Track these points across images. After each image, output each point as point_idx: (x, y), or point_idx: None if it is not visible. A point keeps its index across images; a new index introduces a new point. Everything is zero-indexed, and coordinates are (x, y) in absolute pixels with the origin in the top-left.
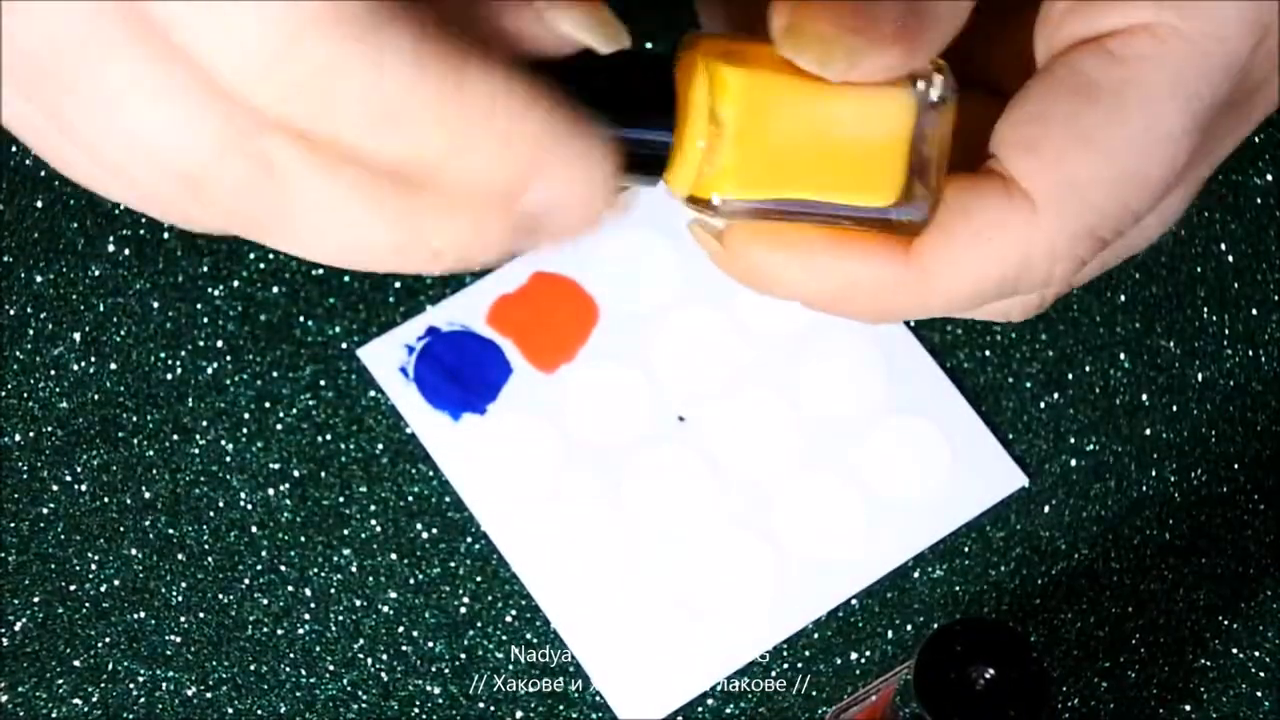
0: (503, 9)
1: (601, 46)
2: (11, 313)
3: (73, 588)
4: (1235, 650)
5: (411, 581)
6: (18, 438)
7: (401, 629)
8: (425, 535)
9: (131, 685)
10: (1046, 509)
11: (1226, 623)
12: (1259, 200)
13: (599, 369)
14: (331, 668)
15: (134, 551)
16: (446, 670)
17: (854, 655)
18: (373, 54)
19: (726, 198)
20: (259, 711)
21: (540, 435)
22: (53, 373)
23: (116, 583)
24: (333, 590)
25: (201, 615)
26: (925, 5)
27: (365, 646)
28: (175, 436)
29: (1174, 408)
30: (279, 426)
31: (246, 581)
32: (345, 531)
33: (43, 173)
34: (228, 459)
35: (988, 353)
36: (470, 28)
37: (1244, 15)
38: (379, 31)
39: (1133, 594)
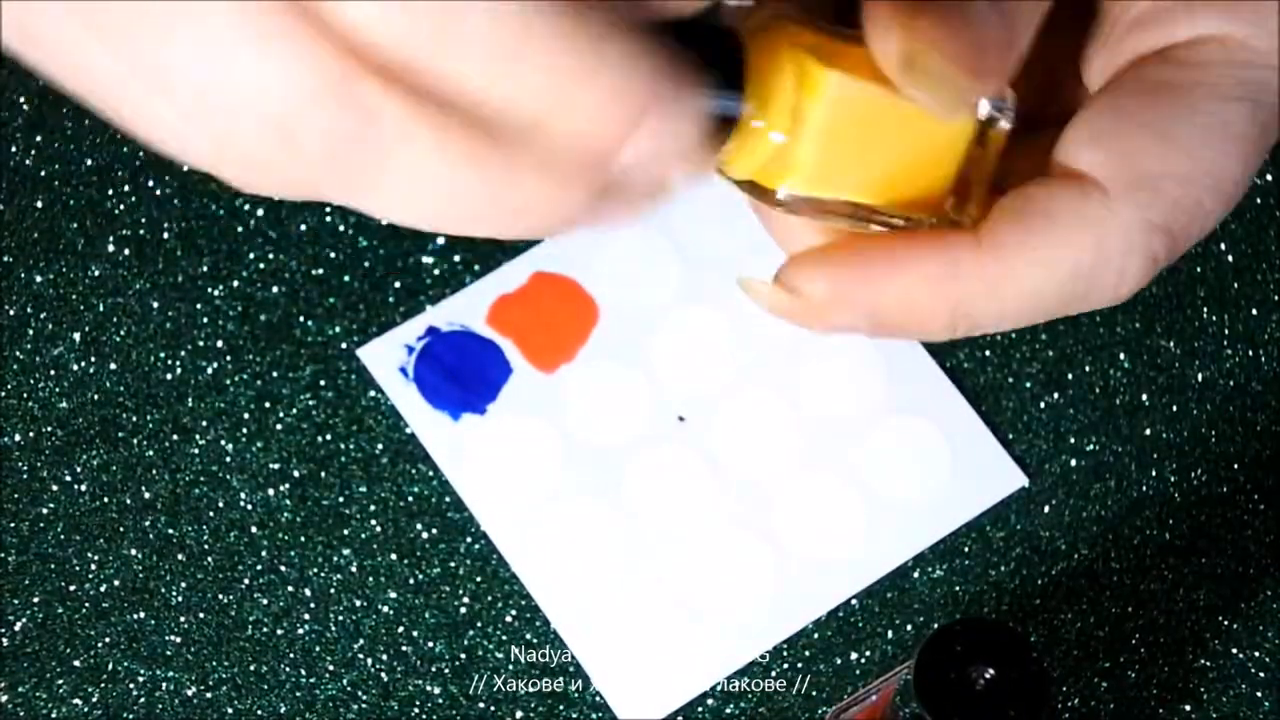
0: None
1: None
2: (11, 313)
3: (73, 588)
4: (1235, 650)
5: (411, 581)
6: (18, 438)
7: (401, 629)
8: (425, 535)
9: (131, 685)
10: (1046, 509)
11: (1226, 623)
12: (1259, 200)
13: (599, 369)
14: (331, 668)
15: (134, 551)
16: (446, 670)
17: (854, 655)
18: None
19: (793, 192)
20: (259, 711)
21: (540, 435)
22: (53, 373)
23: (116, 583)
24: (333, 590)
25: (201, 615)
26: (1017, 35)
27: (365, 646)
28: (175, 436)
29: (1174, 408)
30: (279, 426)
31: (246, 581)
32: (345, 531)
33: (43, 173)
34: (228, 459)
35: (988, 353)
36: None
37: None
38: None
39: (1133, 594)
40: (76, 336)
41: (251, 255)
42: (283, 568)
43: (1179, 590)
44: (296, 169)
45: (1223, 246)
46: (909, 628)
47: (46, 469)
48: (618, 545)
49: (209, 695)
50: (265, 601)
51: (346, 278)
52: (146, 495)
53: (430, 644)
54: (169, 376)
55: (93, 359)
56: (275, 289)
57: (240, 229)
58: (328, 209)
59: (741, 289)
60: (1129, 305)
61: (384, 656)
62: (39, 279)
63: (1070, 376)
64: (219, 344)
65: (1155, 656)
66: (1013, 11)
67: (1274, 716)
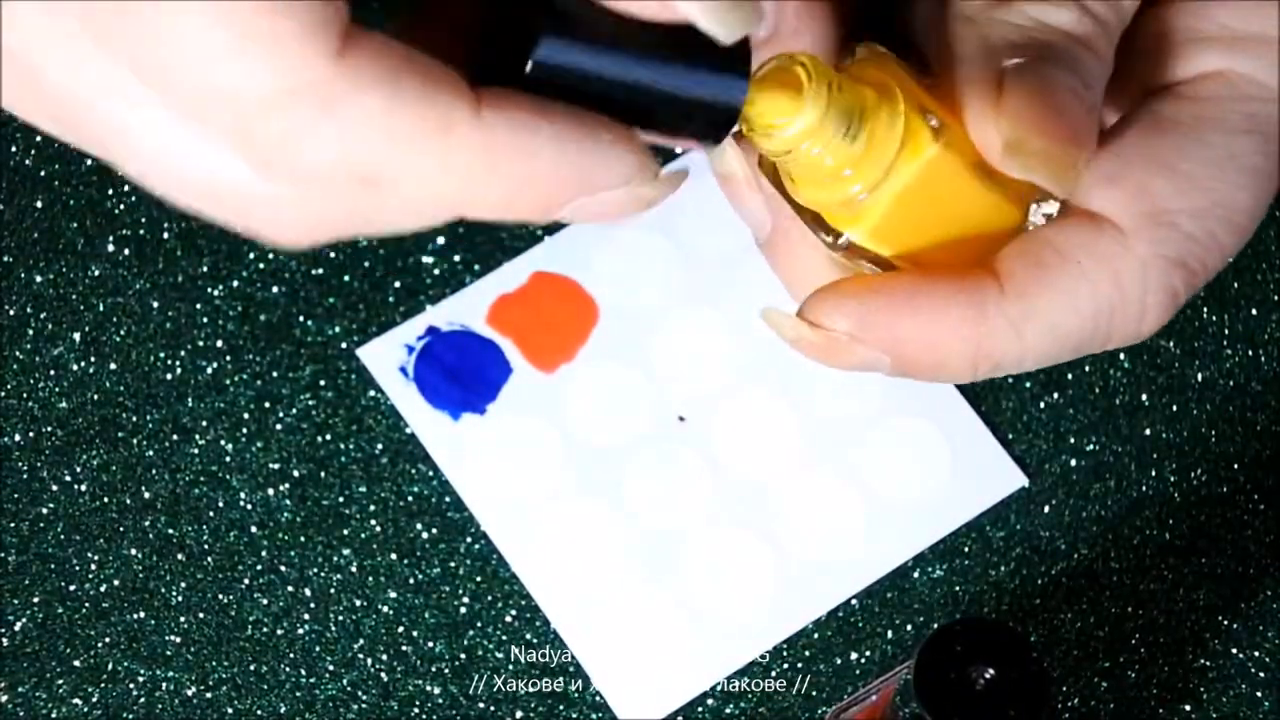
0: None
1: (724, 37)
2: (11, 313)
3: (73, 588)
4: (1235, 650)
5: (411, 581)
6: (18, 438)
7: (401, 629)
8: (425, 535)
9: (131, 685)
10: (1046, 509)
11: (1226, 623)
12: None
13: (599, 369)
14: (331, 668)
15: (134, 551)
16: (446, 670)
17: (854, 655)
18: (338, 125)
19: (856, 242)
20: (259, 711)
21: (540, 435)
22: (53, 373)
23: (116, 583)
24: (333, 590)
25: (201, 615)
26: (1097, 95)
27: (365, 646)
28: (175, 436)
29: (1174, 408)
30: (279, 426)
31: (246, 581)
32: (345, 531)
33: (42, 173)
34: (228, 459)
35: None
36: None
37: None
38: (339, 104)
39: (1133, 594)
40: (76, 336)
41: (251, 255)
42: (283, 568)
43: (1179, 590)
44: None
45: None
46: (909, 628)
47: (46, 469)
48: (618, 545)
49: (209, 695)
50: (265, 601)
51: (346, 278)
52: (146, 495)
53: (430, 644)
54: (169, 376)
55: (93, 359)
56: (275, 289)
57: None
58: None
59: (764, 321)
60: None
61: (384, 656)
62: (39, 279)
63: (1070, 376)
64: (219, 344)
65: (1155, 656)
66: (1087, 73)
67: (1274, 716)
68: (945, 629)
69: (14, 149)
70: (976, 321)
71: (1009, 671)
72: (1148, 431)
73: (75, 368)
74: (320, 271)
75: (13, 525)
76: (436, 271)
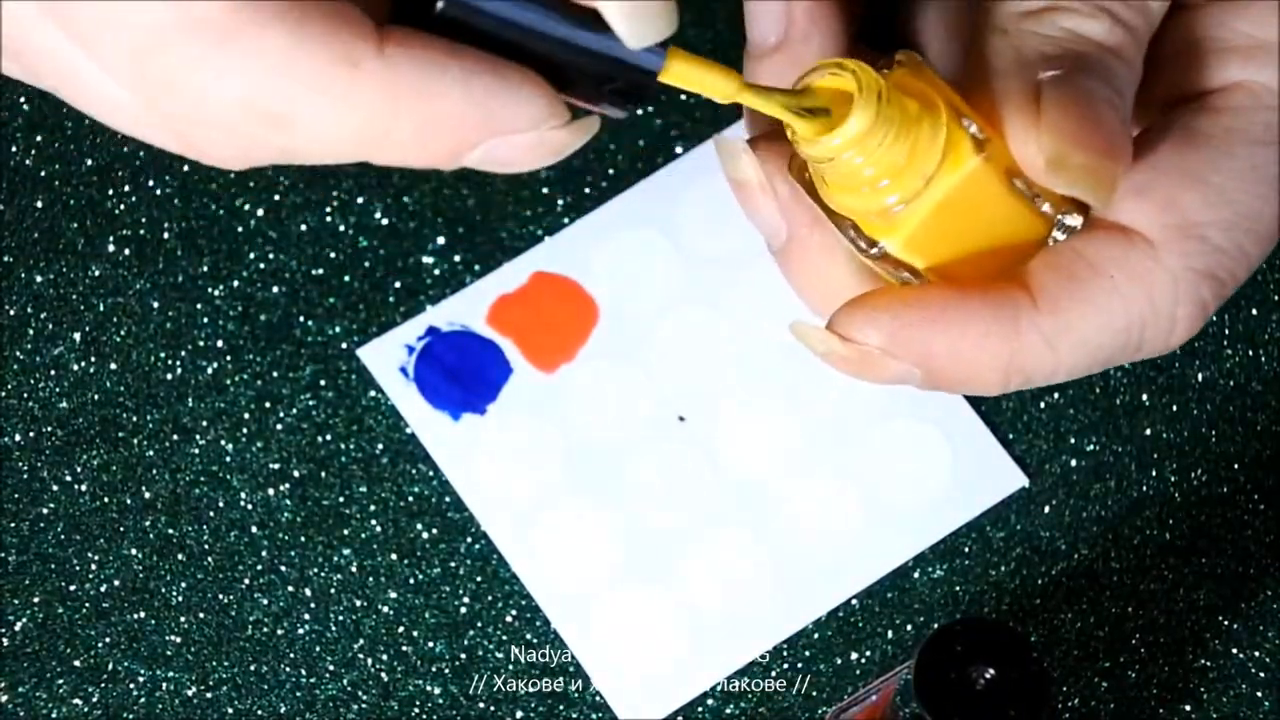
0: None
1: (631, 40)
2: (11, 313)
3: (73, 588)
4: (1235, 650)
5: (411, 581)
6: (18, 438)
7: (401, 629)
8: (425, 535)
9: (131, 685)
10: (1046, 509)
11: (1226, 623)
12: None
13: (599, 369)
14: (331, 668)
15: (134, 551)
16: (446, 670)
17: (854, 655)
18: (236, 61)
19: (889, 251)
20: (259, 711)
21: (540, 435)
22: (53, 373)
23: (116, 583)
24: (333, 590)
25: (201, 615)
26: (1129, 105)
27: (365, 646)
28: (175, 436)
29: (1174, 408)
30: (279, 426)
31: (246, 581)
32: (345, 531)
33: (42, 173)
34: (228, 459)
35: None
36: None
37: None
38: (238, 37)
39: (1133, 594)
40: (76, 336)
41: (251, 255)
42: (283, 568)
43: (1179, 590)
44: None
45: None
46: (909, 628)
47: (46, 469)
48: (618, 545)
49: (209, 695)
50: (265, 601)
51: (346, 278)
52: (146, 495)
53: (430, 644)
54: (169, 376)
55: (93, 359)
56: (275, 289)
57: (240, 229)
58: (328, 209)
59: (794, 335)
60: None
61: (384, 656)
62: (39, 279)
63: None
64: (219, 344)
65: (1155, 656)
66: (1120, 83)
67: (1274, 716)
68: (945, 629)
69: (14, 149)
70: (1010, 336)
71: (1009, 671)
72: (1148, 431)
73: (75, 368)
74: (320, 271)
75: (13, 525)
76: (436, 271)
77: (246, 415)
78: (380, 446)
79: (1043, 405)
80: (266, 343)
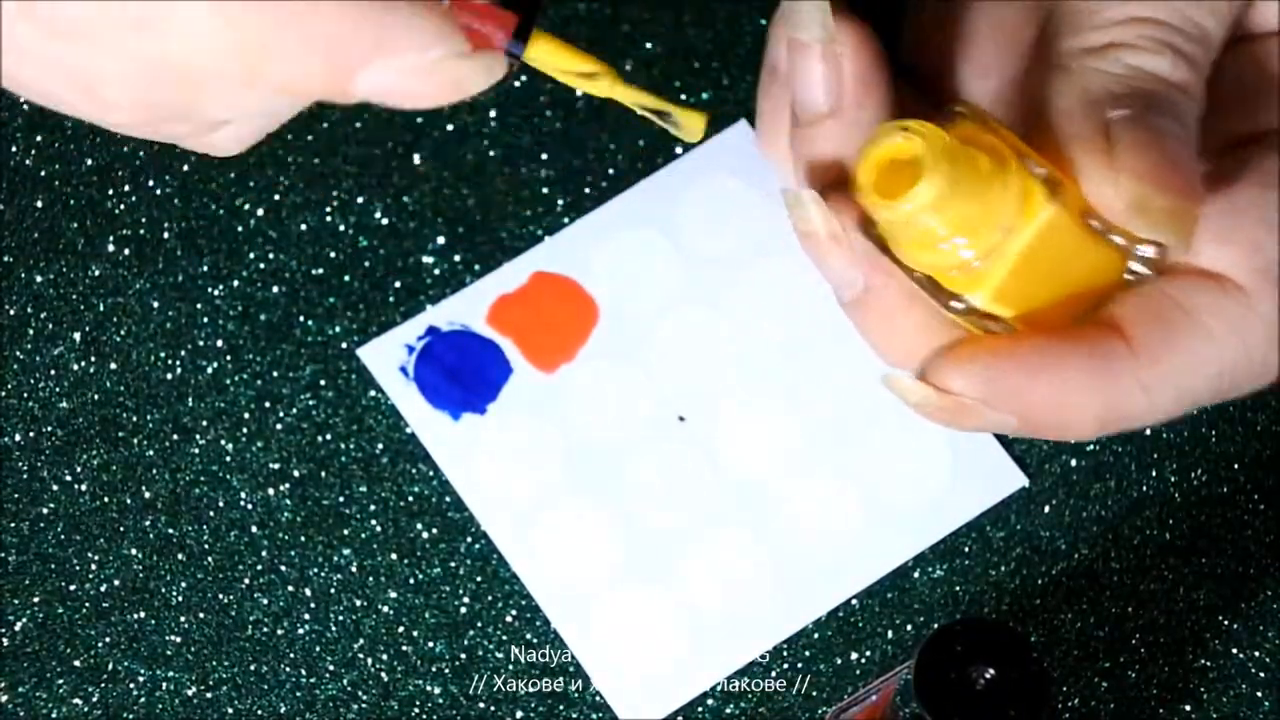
0: None
1: None
2: (11, 313)
3: (73, 588)
4: (1235, 650)
5: (411, 581)
6: (18, 438)
7: (401, 629)
8: (425, 535)
9: (131, 685)
10: (1046, 509)
11: (1226, 623)
12: None
13: (599, 369)
14: (331, 668)
15: (134, 551)
16: (446, 670)
17: (854, 655)
18: None
19: (978, 305)
20: (259, 711)
21: (541, 435)
22: (53, 373)
23: (116, 583)
24: (333, 590)
25: (201, 615)
26: (1195, 140)
27: (365, 646)
28: (175, 436)
29: None
30: (279, 426)
31: (246, 581)
32: (345, 531)
33: (42, 173)
34: (228, 459)
35: None
36: None
37: None
38: None
39: (1133, 594)
40: (76, 336)
41: (251, 255)
42: (283, 568)
43: (1179, 590)
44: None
45: None
46: (909, 628)
47: (46, 469)
48: (618, 545)
49: (209, 695)
50: (265, 601)
51: (346, 278)
52: (146, 495)
53: (430, 644)
54: (169, 376)
55: (93, 359)
56: (275, 289)
57: (240, 229)
58: (328, 209)
59: (887, 387)
60: None
61: (384, 656)
62: (39, 279)
63: None
64: (219, 344)
65: (1155, 656)
66: (1188, 118)
67: (1274, 716)
68: (945, 629)
69: (14, 149)
70: (1107, 386)
71: (1009, 671)
72: (1148, 431)
73: (75, 368)
74: (320, 271)
75: (13, 525)
76: (436, 271)
77: (246, 415)
78: (380, 446)
79: None
80: (266, 343)
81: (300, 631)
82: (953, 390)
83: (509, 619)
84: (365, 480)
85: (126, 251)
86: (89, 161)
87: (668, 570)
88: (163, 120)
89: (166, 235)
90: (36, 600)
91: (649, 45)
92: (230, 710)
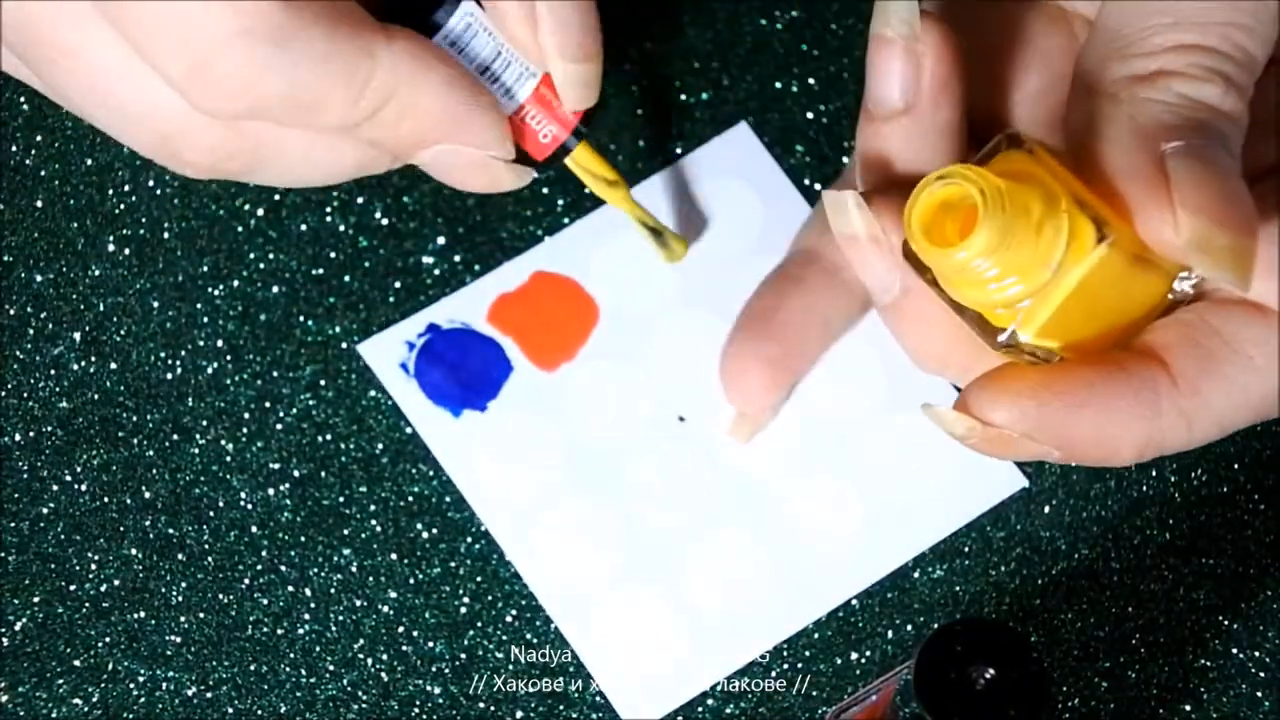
0: None
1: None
2: (11, 313)
3: (73, 588)
4: (1235, 650)
5: (411, 581)
6: (18, 438)
7: (401, 629)
8: (425, 535)
9: (131, 685)
10: (1046, 509)
11: (1226, 623)
12: None
13: (600, 368)
14: (331, 668)
15: (134, 551)
16: (446, 670)
17: (854, 655)
18: (286, 58)
19: (1024, 340)
20: (259, 711)
21: (541, 434)
22: (53, 373)
23: (116, 583)
24: (333, 590)
25: (201, 615)
26: (1241, 169)
27: (365, 646)
28: (175, 436)
29: None
30: (279, 426)
31: (246, 581)
32: (345, 531)
33: (42, 173)
34: (228, 459)
35: None
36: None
37: None
38: (291, 40)
39: (1133, 594)
40: (76, 336)
41: (251, 255)
42: (283, 568)
43: (1179, 590)
44: (198, 161)
45: None
46: (909, 628)
47: (46, 469)
48: (618, 545)
49: (209, 695)
50: (265, 601)
51: (346, 278)
52: (146, 495)
53: (430, 644)
54: (169, 376)
55: (93, 359)
56: (275, 289)
57: (240, 229)
58: (328, 209)
59: (929, 417)
60: None
61: (384, 656)
62: (39, 279)
63: None
64: (219, 344)
65: (1155, 656)
66: (1237, 148)
67: (1274, 716)
68: (945, 629)
69: (14, 149)
70: (1151, 417)
71: (1009, 671)
72: None
73: (75, 368)
74: (320, 271)
75: (13, 525)
76: (436, 271)
77: (246, 415)
78: (380, 446)
79: None
80: (266, 343)
81: (300, 631)
82: (995, 424)
83: (509, 619)
84: (365, 480)
85: (126, 251)
86: (89, 161)
87: (668, 570)
88: (226, 161)
89: (166, 235)
90: (36, 600)
91: (649, 45)
92: (230, 710)
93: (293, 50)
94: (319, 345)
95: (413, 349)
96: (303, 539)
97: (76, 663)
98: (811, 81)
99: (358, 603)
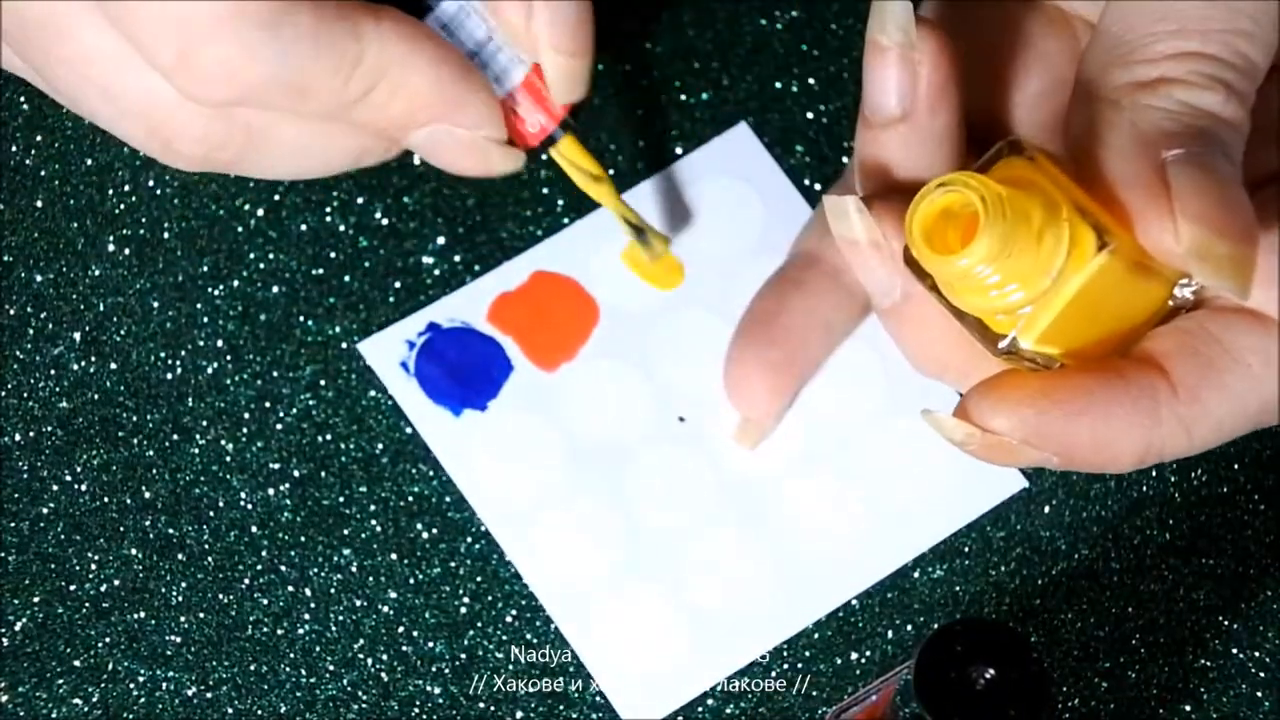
0: None
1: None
2: (11, 313)
3: (73, 588)
4: (1235, 650)
5: (411, 581)
6: (18, 438)
7: (401, 629)
8: (425, 535)
9: (131, 685)
10: (1046, 509)
11: (1226, 623)
12: None
13: (600, 368)
14: (331, 668)
15: (134, 551)
16: (446, 670)
17: (854, 655)
18: (275, 43)
19: (1025, 347)
20: (259, 711)
21: (541, 433)
22: (53, 373)
23: (116, 583)
24: (333, 590)
25: (201, 615)
26: (1242, 177)
27: (365, 646)
28: (175, 436)
29: None
30: (279, 426)
31: (246, 581)
32: (345, 531)
33: (42, 173)
34: (228, 459)
35: None
36: None
37: None
38: (279, 23)
39: (1133, 594)
40: (76, 336)
41: (251, 255)
42: (283, 568)
43: (1179, 590)
44: (189, 152)
45: None
46: (909, 628)
47: (46, 469)
48: (618, 545)
49: (209, 695)
50: (265, 601)
51: (346, 278)
52: (146, 495)
53: (430, 644)
54: (169, 376)
55: (93, 359)
56: (275, 289)
57: (240, 229)
58: (328, 209)
59: (928, 423)
60: None
61: (384, 656)
62: (39, 279)
63: None
64: (219, 344)
65: (1155, 656)
66: (1238, 156)
67: (1274, 716)
68: (945, 629)
69: (14, 149)
70: (1150, 425)
71: (1009, 671)
72: None
73: (75, 368)
74: (320, 271)
75: (13, 525)
76: (436, 271)
77: (246, 415)
78: (380, 446)
79: None
80: (266, 343)
81: (300, 631)
82: (995, 430)
83: (509, 619)
84: (365, 480)
85: (126, 251)
86: (89, 161)
87: (668, 570)
88: (217, 150)
89: (166, 235)
90: (36, 600)
91: (649, 45)
92: (230, 710)
93: (281, 34)
94: (319, 345)
95: (413, 348)
96: (303, 539)
97: (76, 663)
98: (811, 81)
99: (358, 603)
